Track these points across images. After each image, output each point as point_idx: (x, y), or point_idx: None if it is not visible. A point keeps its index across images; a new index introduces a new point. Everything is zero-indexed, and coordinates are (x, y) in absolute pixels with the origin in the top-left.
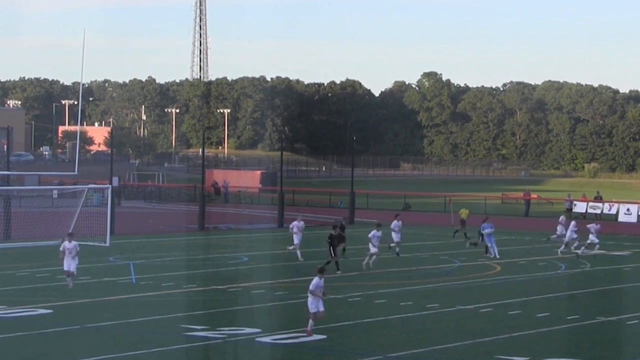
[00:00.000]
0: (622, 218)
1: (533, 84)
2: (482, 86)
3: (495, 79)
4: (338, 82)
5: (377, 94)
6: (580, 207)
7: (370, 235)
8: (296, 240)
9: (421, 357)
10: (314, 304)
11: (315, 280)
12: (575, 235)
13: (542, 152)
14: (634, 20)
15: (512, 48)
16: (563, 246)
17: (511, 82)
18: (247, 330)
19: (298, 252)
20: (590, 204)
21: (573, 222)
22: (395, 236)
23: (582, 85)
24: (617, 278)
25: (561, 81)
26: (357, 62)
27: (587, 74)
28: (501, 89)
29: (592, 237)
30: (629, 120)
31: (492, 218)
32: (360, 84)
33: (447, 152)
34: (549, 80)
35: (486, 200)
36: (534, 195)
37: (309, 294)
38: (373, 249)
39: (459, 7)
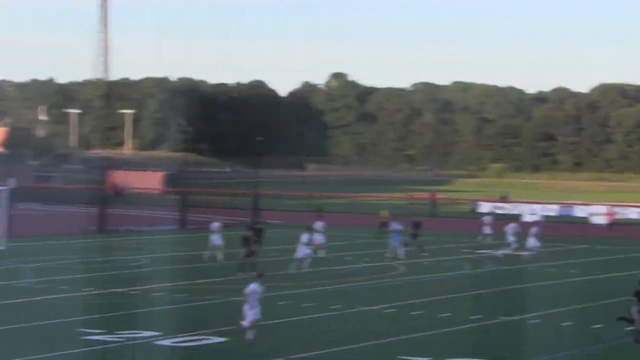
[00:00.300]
0: (526, 218)
1: (441, 84)
2: (390, 87)
3: (402, 80)
4: (244, 82)
5: (284, 95)
6: (485, 208)
7: (302, 238)
8: (217, 242)
9: (325, 358)
10: (249, 313)
11: (252, 285)
12: (513, 238)
13: (449, 152)
14: (540, 21)
15: (420, 49)
16: (507, 250)
17: (419, 82)
18: (147, 333)
19: (218, 254)
20: (496, 204)
21: (513, 225)
22: (319, 237)
23: (489, 86)
24: (520, 278)
25: (468, 82)
26: (264, 63)
27: (494, 75)
28: (409, 89)
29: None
30: (535, 121)
31: (398, 219)
32: (266, 84)
33: (353, 152)
34: (457, 81)
35: (391, 201)
36: (440, 196)
37: (244, 300)
38: (302, 253)
39: (367, 7)
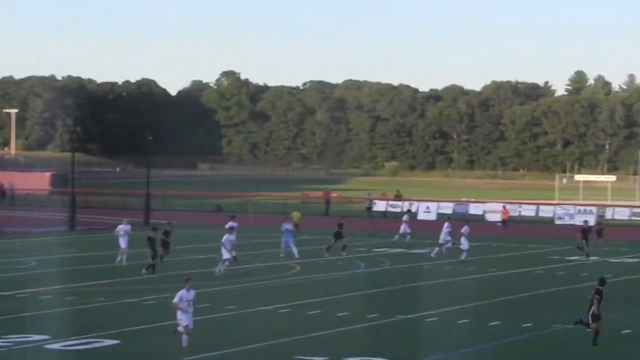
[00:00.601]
0: (421, 216)
1: (333, 82)
2: (282, 85)
3: (294, 78)
4: (133, 81)
5: (174, 94)
6: (380, 206)
7: (223, 240)
8: (123, 245)
9: (221, 359)
10: (182, 318)
11: (182, 292)
12: (448, 237)
13: (343, 151)
14: (433, 20)
15: (311, 47)
16: (437, 249)
17: (311, 81)
18: (36, 337)
19: (122, 258)
20: (390, 202)
21: (446, 224)
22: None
23: (382, 84)
24: (416, 276)
25: (361, 80)
26: (153, 61)
27: (387, 74)
28: (301, 88)
29: (463, 240)
30: (429, 119)
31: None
32: (156, 83)
33: (246, 151)
34: (349, 79)
35: (286, 200)
36: (334, 195)
37: (176, 307)
38: (226, 255)
39: (257, 5)
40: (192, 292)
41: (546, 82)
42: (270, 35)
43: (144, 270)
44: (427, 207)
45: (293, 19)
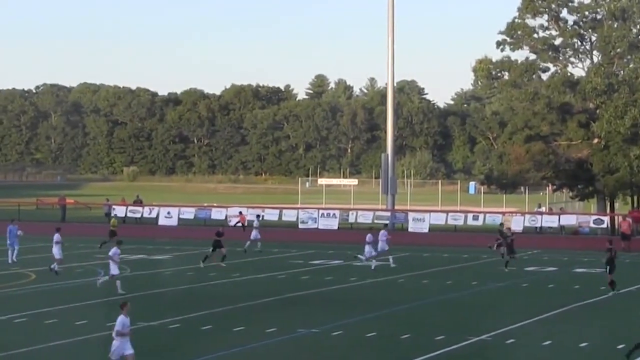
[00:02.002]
0: (162, 221)
1: (68, 86)
2: (14, 88)
3: (27, 81)
4: None
5: None
6: (120, 211)
7: (111, 253)
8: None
9: None
10: (119, 348)
11: (121, 318)
12: (386, 247)
13: (79, 155)
14: (163, 23)
15: (45, 49)
16: (374, 261)
17: (45, 84)
18: None
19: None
20: (130, 207)
21: (383, 232)
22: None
23: (119, 87)
24: (156, 282)
25: (98, 83)
26: None
27: (124, 77)
28: (34, 91)
29: (382, 245)
30: (169, 123)
31: (26, 225)
32: None
33: None
34: (85, 82)
35: (20, 207)
36: (70, 200)
37: (114, 337)
38: (115, 270)
39: None
40: (128, 319)
41: (287, 86)
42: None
43: None
44: (168, 213)
45: (26, 19)
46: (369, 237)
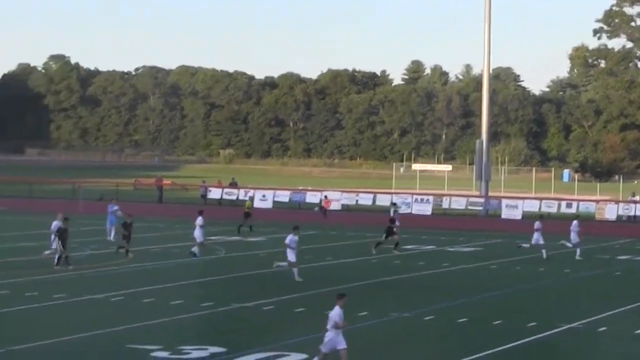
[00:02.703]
0: (257, 204)
1: (167, 68)
2: (114, 70)
3: (126, 63)
4: None
5: None
6: (215, 194)
7: (287, 241)
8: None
9: (51, 348)
10: (332, 341)
11: (337, 309)
12: (577, 239)
13: (177, 137)
14: (268, 6)
15: (144, 31)
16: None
17: (144, 66)
18: None
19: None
20: (226, 190)
21: (575, 222)
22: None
23: (217, 70)
24: (252, 264)
25: (196, 66)
26: None
27: (222, 60)
28: (133, 73)
29: (573, 236)
30: (265, 106)
31: (126, 205)
32: None
33: (76, 137)
34: (183, 65)
35: (118, 187)
36: (167, 182)
37: (329, 328)
38: (292, 257)
39: None
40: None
41: (383, 71)
42: (101, 18)
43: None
44: (264, 195)
45: (125, 1)
46: (537, 224)
